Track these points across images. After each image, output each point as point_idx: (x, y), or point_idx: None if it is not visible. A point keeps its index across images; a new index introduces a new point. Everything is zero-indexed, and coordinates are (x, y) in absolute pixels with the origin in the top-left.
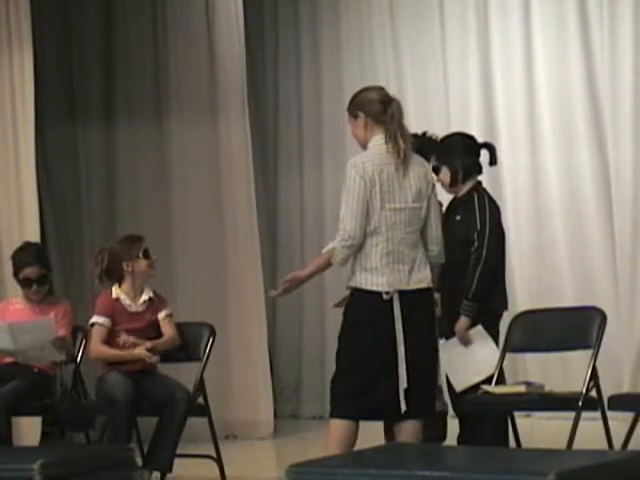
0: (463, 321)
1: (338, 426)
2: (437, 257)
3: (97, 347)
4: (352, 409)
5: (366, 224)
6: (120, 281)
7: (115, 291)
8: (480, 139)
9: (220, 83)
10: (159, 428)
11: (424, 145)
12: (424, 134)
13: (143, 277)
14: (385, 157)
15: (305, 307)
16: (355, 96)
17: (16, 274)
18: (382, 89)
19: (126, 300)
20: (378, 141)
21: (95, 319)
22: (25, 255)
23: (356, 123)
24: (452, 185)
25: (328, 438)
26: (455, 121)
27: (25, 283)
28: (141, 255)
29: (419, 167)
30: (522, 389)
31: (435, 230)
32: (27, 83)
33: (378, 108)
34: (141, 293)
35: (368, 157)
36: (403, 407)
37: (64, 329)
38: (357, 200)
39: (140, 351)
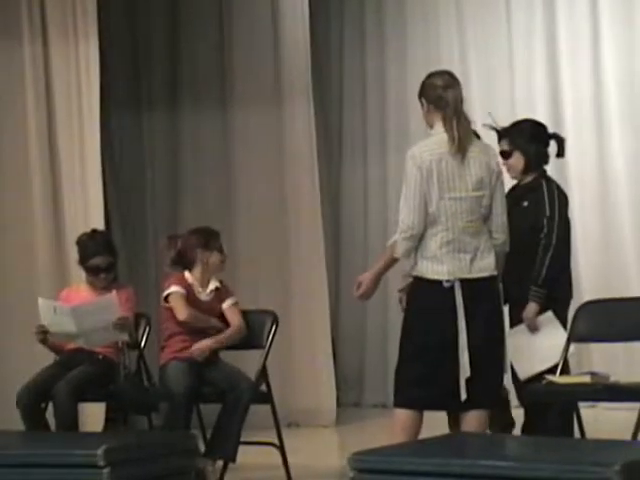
0: (532, 307)
1: (401, 415)
2: (502, 245)
3: (186, 309)
4: (413, 398)
5: (425, 214)
6: (190, 268)
7: (188, 276)
8: (546, 126)
9: (285, 70)
10: (222, 417)
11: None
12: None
13: (214, 271)
14: (445, 145)
15: None
16: (422, 82)
17: (83, 262)
18: (447, 74)
19: (198, 287)
20: (439, 129)
21: (173, 289)
22: (93, 244)
23: (423, 109)
24: (525, 172)
25: (392, 426)
26: (520, 107)
27: (92, 271)
28: (217, 250)
29: (482, 155)
30: (587, 379)
31: (500, 218)
32: (92, 70)
33: (438, 94)
34: (208, 282)
35: (427, 146)
36: (463, 396)
37: (127, 313)
38: (413, 191)
39: (207, 343)
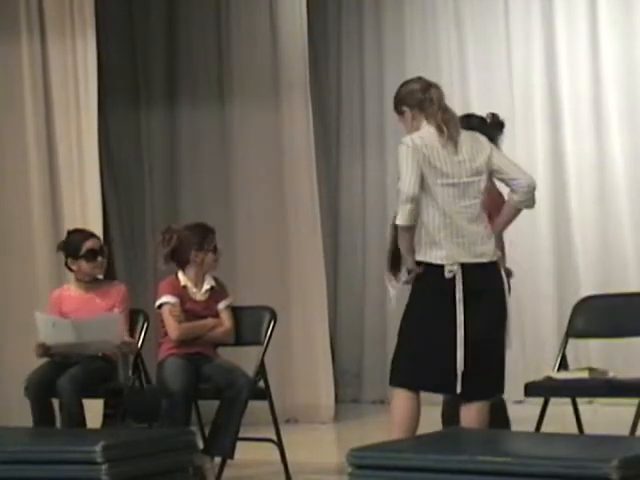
0: None
1: (399, 398)
2: (527, 193)
3: (179, 326)
4: (409, 377)
5: (421, 176)
6: (184, 266)
7: (182, 278)
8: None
9: (282, 67)
10: (220, 413)
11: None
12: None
13: (208, 270)
14: (435, 137)
15: (366, 291)
16: (397, 93)
17: (77, 251)
18: (420, 78)
19: (192, 288)
20: (426, 126)
21: (166, 299)
22: (78, 234)
23: (404, 119)
24: None
25: (390, 413)
26: (519, 105)
27: (90, 256)
28: (211, 250)
29: (473, 142)
30: (585, 375)
31: (512, 171)
32: (90, 66)
33: (420, 96)
34: (203, 281)
35: (418, 135)
36: (458, 389)
37: (122, 314)
38: (408, 163)
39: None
